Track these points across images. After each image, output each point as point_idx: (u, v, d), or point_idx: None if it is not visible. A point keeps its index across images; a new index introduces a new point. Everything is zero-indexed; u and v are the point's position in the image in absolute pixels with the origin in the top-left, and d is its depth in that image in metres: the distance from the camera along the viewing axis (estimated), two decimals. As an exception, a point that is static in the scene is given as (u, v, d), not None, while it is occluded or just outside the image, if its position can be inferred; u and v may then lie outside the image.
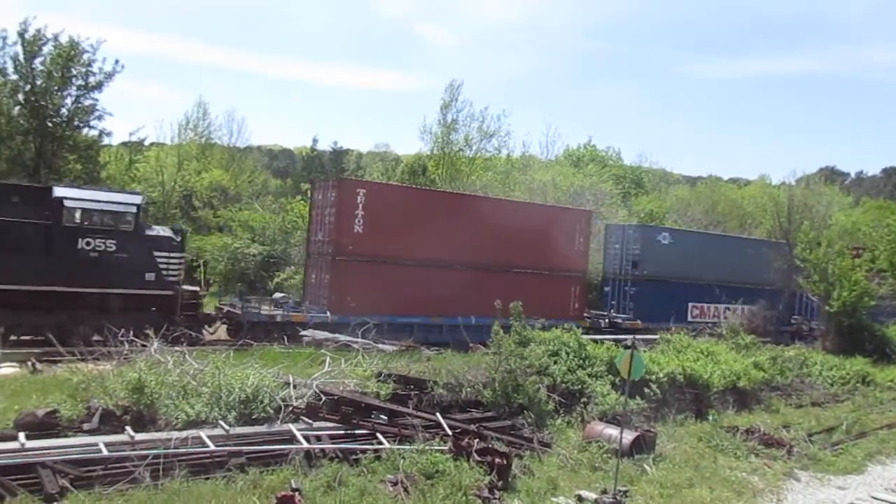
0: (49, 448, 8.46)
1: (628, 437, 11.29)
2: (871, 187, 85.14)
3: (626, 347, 11.10)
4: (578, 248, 24.88)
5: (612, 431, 11.47)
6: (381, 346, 16.83)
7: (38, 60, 25.47)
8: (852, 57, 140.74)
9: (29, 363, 13.45)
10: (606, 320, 25.66)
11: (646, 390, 13.90)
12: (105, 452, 8.50)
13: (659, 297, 26.38)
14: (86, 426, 9.32)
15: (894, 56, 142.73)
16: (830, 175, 72.45)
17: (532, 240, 23.26)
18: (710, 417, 14.63)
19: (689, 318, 27.30)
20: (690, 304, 28.03)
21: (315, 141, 53.97)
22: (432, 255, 21.48)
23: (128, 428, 9.21)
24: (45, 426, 9.09)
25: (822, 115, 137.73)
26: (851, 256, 25.76)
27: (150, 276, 17.35)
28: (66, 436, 9.06)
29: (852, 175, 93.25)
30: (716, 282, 28.43)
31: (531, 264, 23.50)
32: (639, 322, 25.58)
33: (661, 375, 14.52)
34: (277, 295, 21.94)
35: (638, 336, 19.79)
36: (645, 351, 15.70)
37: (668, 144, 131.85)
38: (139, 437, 9.03)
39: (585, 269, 25.47)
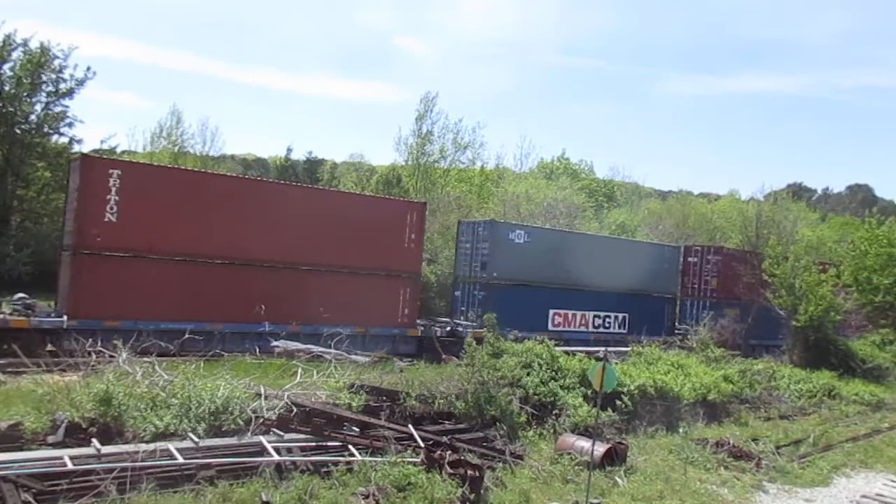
0: (12, 462, 8.24)
1: (600, 449, 11.35)
2: (837, 203, 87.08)
3: (598, 360, 11.18)
4: (409, 245, 21.46)
5: (584, 443, 11.52)
6: (353, 357, 16.74)
7: (6, 66, 25.08)
8: (820, 78, 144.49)
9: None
10: (448, 328, 22.32)
11: (617, 402, 14.01)
12: (70, 466, 8.31)
13: (512, 303, 23.01)
14: (50, 439, 9.11)
15: (859, 79, 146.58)
16: (798, 191, 73.87)
17: (349, 235, 19.99)
18: (681, 430, 14.76)
19: (551, 327, 24.61)
20: (552, 312, 25.08)
21: (289, 150, 53.66)
22: (214, 250, 18.07)
23: (94, 441, 9.02)
24: (7, 439, 8.84)
25: (791, 134, 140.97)
26: (818, 271, 26.21)
27: None
28: (29, 449, 8.83)
29: (819, 191, 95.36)
30: (587, 287, 25.68)
31: (347, 263, 20.13)
32: (483, 331, 23.51)
33: (632, 388, 14.64)
34: (17, 295, 17.96)
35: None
36: (617, 363, 15.85)
37: (641, 158, 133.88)
38: (106, 449, 8.84)
39: (418, 270, 22.16)
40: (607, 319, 26.71)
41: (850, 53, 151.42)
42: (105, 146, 31.11)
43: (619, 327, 26.91)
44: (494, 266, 23.66)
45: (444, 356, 18.64)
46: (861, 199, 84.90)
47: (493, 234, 23.88)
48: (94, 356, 12.34)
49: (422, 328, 21.71)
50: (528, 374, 14.08)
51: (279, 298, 18.58)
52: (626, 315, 27.01)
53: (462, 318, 23.76)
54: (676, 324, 29.44)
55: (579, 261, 25.38)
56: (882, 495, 12.20)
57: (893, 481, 13.25)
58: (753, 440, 14.49)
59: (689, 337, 26.83)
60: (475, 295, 23.98)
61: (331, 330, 17.65)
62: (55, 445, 8.98)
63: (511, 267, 23.92)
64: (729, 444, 13.73)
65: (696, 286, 30.45)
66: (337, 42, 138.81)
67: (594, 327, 26.08)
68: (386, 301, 20.83)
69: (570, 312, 25.67)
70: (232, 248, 18.34)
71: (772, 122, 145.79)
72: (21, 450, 8.75)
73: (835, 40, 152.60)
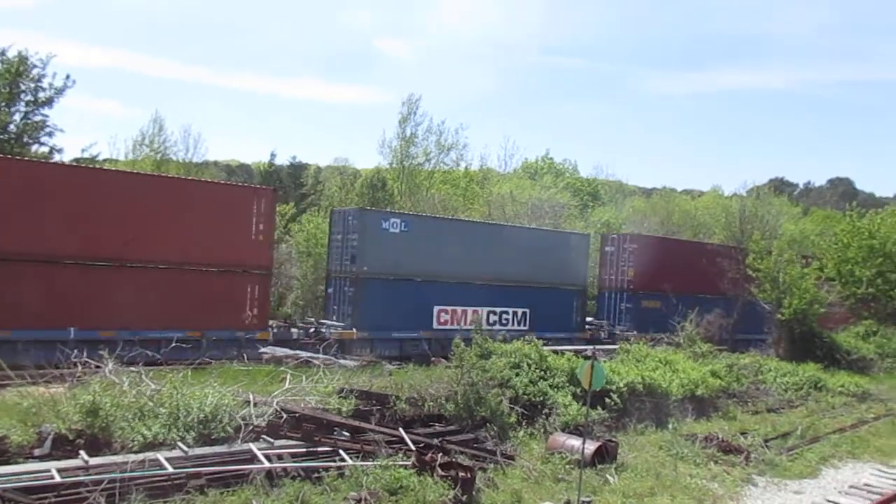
0: (-2, 475, 8.15)
1: (590, 447, 11.38)
2: (819, 197, 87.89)
3: (587, 358, 11.22)
4: (257, 237, 18.93)
5: (575, 442, 11.55)
6: (342, 361, 16.71)
7: (-16, 76, 24.81)
8: (799, 73, 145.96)
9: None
10: (312, 329, 20.39)
11: (607, 400, 14.06)
12: (58, 478, 8.22)
13: (389, 300, 21.32)
14: (37, 452, 9.02)
15: (838, 73, 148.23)
16: (780, 186, 74.53)
17: (176, 227, 17.70)
18: (670, 426, 14.85)
19: (436, 325, 22.51)
20: (437, 309, 22.67)
21: (273, 156, 53.22)
22: (8, 245, 15.50)
23: (82, 452, 8.93)
24: (-7, 453, 8.77)
25: (772, 129, 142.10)
26: (801, 265, 26.45)
27: None
28: (16, 462, 8.74)
29: (800, 186, 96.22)
30: (480, 280, 23.57)
31: (172, 258, 17.56)
32: (354, 331, 20.66)
33: (621, 385, 14.69)
34: None
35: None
36: (605, 361, 15.91)
37: (624, 156, 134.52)
38: (94, 461, 8.76)
39: (269, 265, 19.72)
40: (504, 316, 24.30)
41: (829, 48, 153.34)
42: (86, 155, 30.83)
43: (519, 323, 24.46)
44: (365, 259, 21.21)
45: (433, 358, 18.60)
46: (842, 192, 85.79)
47: (364, 224, 21.53)
48: (80, 367, 12.23)
49: (275, 330, 19.67)
50: (517, 375, 14.10)
51: (90, 300, 16.37)
52: (527, 310, 24.70)
53: (334, 317, 21.58)
54: (592, 318, 28.10)
55: (470, 252, 23.39)
56: (870, 485, 12.32)
57: (881, 471, 13.39)
58: (742, 434, 14.60)
59: (602, 332, 26.56)
60: (346, 291, 21.69)
61: (157, 335, 16.42)
62: (42, 458, 8.90)
63: (386, 260, 21.58)
64: (718, 438, 13.82)
65: (612, 277, 28.61)
66: (319, 46, 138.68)
67: (489, 324, 23.23)
68: (227, 301, 18.35)
69: (459, 309, 23.19)
70: (29, 242, 15.76)
71: (753, 117, 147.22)
72: (7, 463, 8.66)
73: (813, 35, 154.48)
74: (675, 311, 24.05)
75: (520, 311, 24.71)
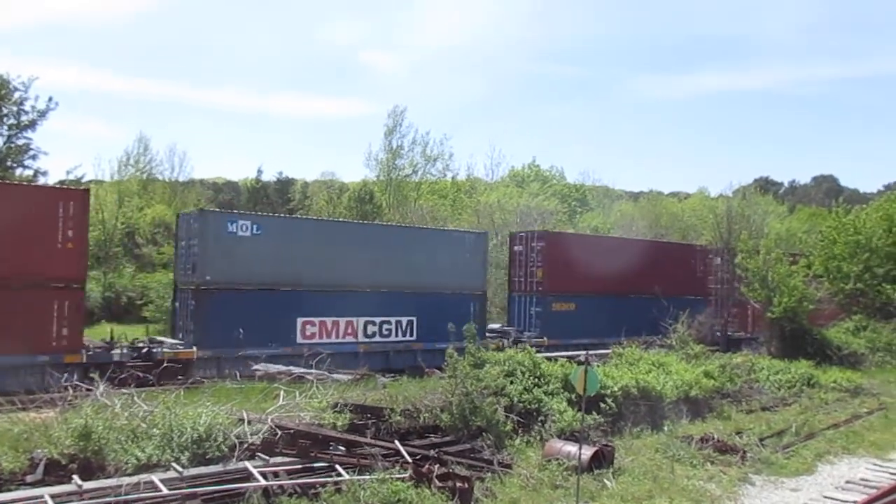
0: (-10, 504, 8.05)
1: (587, 452, 11.38)
2: (804, 195, 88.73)
3: (580, 363, 11.23)
4: (65, 246, 16.71)
5: (571, 448, 11.54)
6: (335, 375, 16.65)
7: (-34, 101, 24.72)
8: (780, 72, 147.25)
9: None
10: (145, 349, 17.88)
11: (602, 405, 14.06)
12: (51, 504, 8.14)
13: (239, 314, 18.93)
14: (29, 478, 8.92)
15: (819, 72, 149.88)
16: (765, 185, 75.25)
17: None
18: (666, 428, 14.86)
19: (301, 340, 20.07)
20: (301, 321, 20.27)
21: (260, 172, 53.45)
22: None
23: (75, 477, 8.84)
24: (-15, 481, 8.67)
25: (756, 128, 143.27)
26: (789, 263, 26.63)
27: None
28: (8, 490, 8.63)
29: (785, 184, 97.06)
30: (355, 287, 21.36)
31: None
32: (194, 350, 18.39)
33: (615, 389, 14.69)
34: None
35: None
36: (599, 366, 15.94)
37: (610, 161, 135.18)
38: (87, 485, 8.67)
39: (81, 278, 17.30)
40: (386, 326, 21.96)
41: (811, 47, 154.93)
42: (71, 177, 30.74)
43: (404, 334, 22.29)
44: (207, 267, 18.83)
45: (426, 369, 18.57)
46: (826, 189, 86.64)
47: (205, 227, 19.11)
48: (71, 391, 12.14)
49: (91, 353, 17.24)
50: (511, 383, 14.07)
51: None
52: (414, 318, 22.42)
53: (181, 334, 19.56)
54: (499, 325, 26.26)
55: (343, 255, 21.14)
56: (866, 480, 12.36)
57: (877, 465, 13.44)
58: (737, 433, 14.62)
59: (507, 340, 23.34)
60: (188, 305, 19.37)
61: None
62: (35, 484, 8.79)
63: (235, 267, 19.18)
64: (713, 439, 13.83)
65: (522, 279, 26.38)
66: (303, 60, 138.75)
67: (367, 336, 21.36)
68: (28, 320, 15.94)
69: (328, 320, 20.80)
70: None
71: (737, 118, 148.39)
72: (0, 491, 8.56)
73: (794, 35, 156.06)
74: (594, 314, 23.07)
75: (404, 320, 22.37)
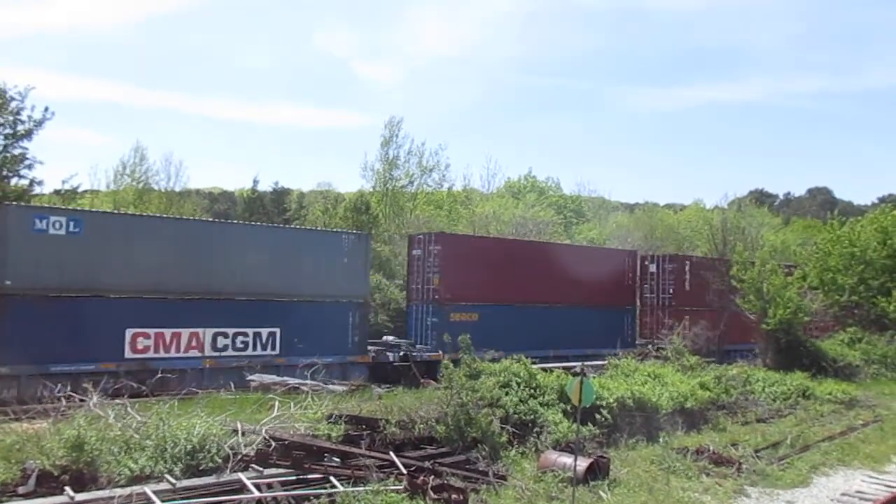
0: (-19, 515, 7.99)
1: (582, 464, 11.34)
2: (798, 207, 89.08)
3: (575, 375, 11.22)
4: None
5: (567, 459, 11.51)
6: (330, 386, 16.61)
7: (-38, 110, 24.67)
8: (774, 84, 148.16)
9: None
10: None
11: (597, 416, 14.04)
12: (43, 516, 8.09)
13: (49, 324, 16.30)
14: (21, 490, 8.86)
15: (812, 83, 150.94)
16: (760, 197, 75.59)
17: None
18: (661, 439, 14.83)
19: (130, 354, 17.49)
20: (131, 332, 17.59)
21: (255, 182, 53.23)
22: None
23: (67, 488, 8.78)
24: (-24, 493, 8.61)
25: (750, 140, 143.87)
26: (784, 275, 26.70)
27: None
28: (0, 501, 8.59)
29: (780, 196, 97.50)
30: (204, 295, 18.69)
31: None
32: (4, 370, 15.67)
33: (610, 400, 14.68)
34: None
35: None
36: (595, 377, 15.92)
37: (607, 172, 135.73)
38: (79, 497, 8.62)
39: None
40: (241, 338, 19.31)
41: (804, 59, 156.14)
42: (67, 186, 30.62)
43: (264, 347, 19.64)
44: (8, 270, 16.22)
45: (422, 380, 18.53)
46: (821, 201, 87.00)
47: (5, 224, 16.50)
48: (63, 401, 12.08)
49: None
50: (506, 394, 14.05)
51: None
52: (278, 330, 19.80)
53: None
54: (391, 337, 24.06)
55: (189, 258, 18.77)
56: (862, 492, 12.35)
57: (872, 477, 13.43)
58: (733, 445, 14.60)
59: (392, 354, 21.75)
60: None
61: None
62: (26, 496, 8.73)
63: (44, 270, 16.62)
64: (709, 450, 13.82)
65: (419, 287, 24.03)
66: (298, 71, 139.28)
67: (216, 349, 18.79)
68: None
69: (168, 332, 18.17)
70: None
71: (732, 130, 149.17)
72: (-9, 503, 8.51)
73: (788, 47, 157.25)
74: (501, 325, 20.98)
75: (265, 331, 19.69)
